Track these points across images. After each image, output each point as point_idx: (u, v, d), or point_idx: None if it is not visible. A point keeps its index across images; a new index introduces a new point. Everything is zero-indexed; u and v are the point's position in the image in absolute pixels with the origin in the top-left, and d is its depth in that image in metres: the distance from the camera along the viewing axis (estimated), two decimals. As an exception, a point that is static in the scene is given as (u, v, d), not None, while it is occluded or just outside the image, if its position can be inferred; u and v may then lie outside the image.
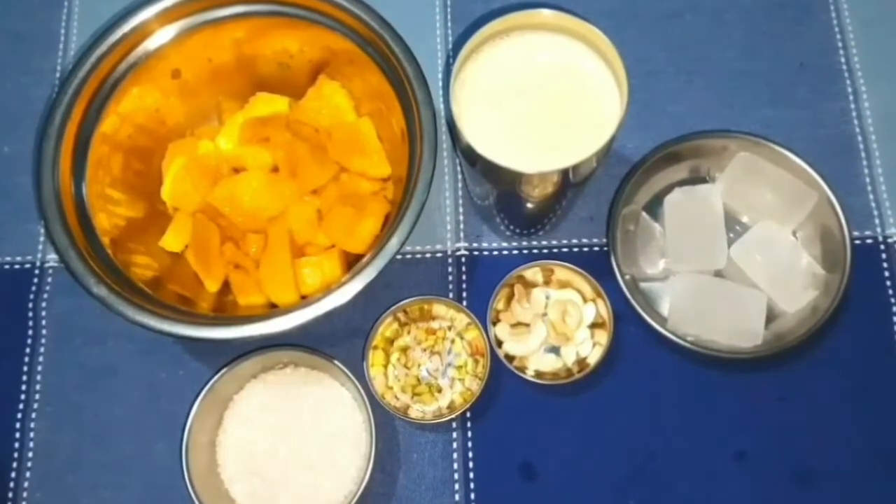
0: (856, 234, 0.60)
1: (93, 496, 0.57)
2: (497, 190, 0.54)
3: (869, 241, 0.61)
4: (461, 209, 0.63)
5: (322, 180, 0.59)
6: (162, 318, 0.51)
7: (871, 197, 0.63)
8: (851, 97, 0.65)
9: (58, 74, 0.68)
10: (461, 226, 0.63)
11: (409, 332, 0.59)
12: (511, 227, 0.61)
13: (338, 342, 0.59)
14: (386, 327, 0.58)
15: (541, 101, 0.49)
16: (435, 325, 0.60)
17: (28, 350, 0.60)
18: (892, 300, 0.60)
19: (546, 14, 0.49)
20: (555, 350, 0.59)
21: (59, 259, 0.52)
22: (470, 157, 0.50)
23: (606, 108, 0.49)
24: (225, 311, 0.58)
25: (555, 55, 0.50)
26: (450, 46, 0.67)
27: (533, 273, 0.59)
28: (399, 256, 0.51)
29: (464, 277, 0.61)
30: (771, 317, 0.58)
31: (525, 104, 0.49)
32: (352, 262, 0.58)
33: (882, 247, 0.61)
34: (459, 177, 0.64)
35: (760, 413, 0.58)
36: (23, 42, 0.69)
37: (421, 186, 0.52)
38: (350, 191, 0.60)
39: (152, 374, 0.60)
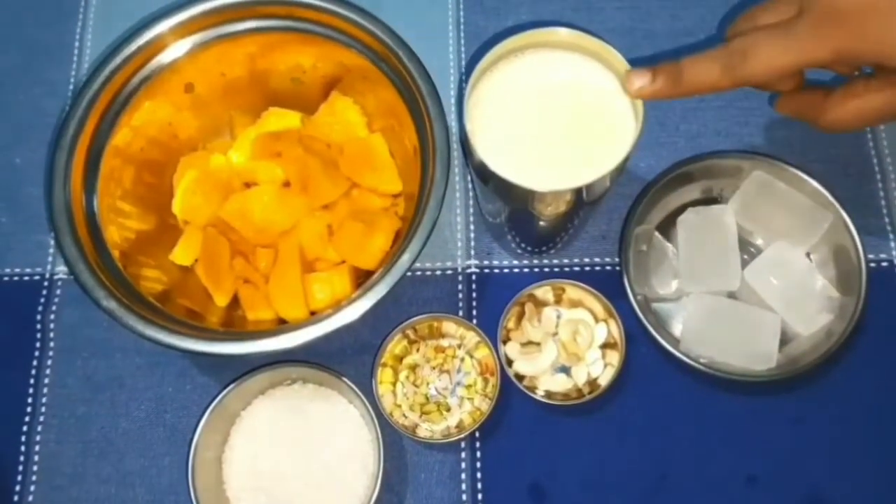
0: (870, 256, 0.60)
1: (97, 511, 0.57)
2: (509, 208, 0.54)
3: (884, 263, 0.61)
4: (472, 226, 0.63)
5: (333, 196, 0.59)
6: (171, 332, 0.50)
7: (887, 220, 0.62)
8: (866, 119, 0.64)
9: (71, 86, 0.68)
10: (472, 243, 0.62)
11: (418, 350, 0.59)
12: (522, 246, 0.61)
13: (346, 359, 0.59)
14: (395, 344, 0.58)
15: (555, 120, 0.49)
16: (444, 343, 0.59)
17: (35, 362, 0.60)
18: (908, 324, 0.59)
19: (562, 32, 0.49)
20: (565, 370, 0.58)
21: (68, 271, 0.52)
22: (483, 175, 0.49)
23: (621, 127, 0.49)
24: (234, 326, 0.58)
25: (570, 74, 0.50)
26: (463, 63, 0.67)
27: (544, 292, 0.59)
28: (409, 273, 0.51)
29: (474, 295, 0.61)
30: (785, 340, 0.57)
31: (539, 122, 0.49)
32: (361, 278, 0.58)
33: (897, 270, 0.61)
34: (471, 194, 0.64)
35: (773, 437, 0.57)
36: (36, 53, 0.69)
37: (433, 203, 0.52)
38: (361, 206, 0.60)
39: (159, 388, 0.60)
